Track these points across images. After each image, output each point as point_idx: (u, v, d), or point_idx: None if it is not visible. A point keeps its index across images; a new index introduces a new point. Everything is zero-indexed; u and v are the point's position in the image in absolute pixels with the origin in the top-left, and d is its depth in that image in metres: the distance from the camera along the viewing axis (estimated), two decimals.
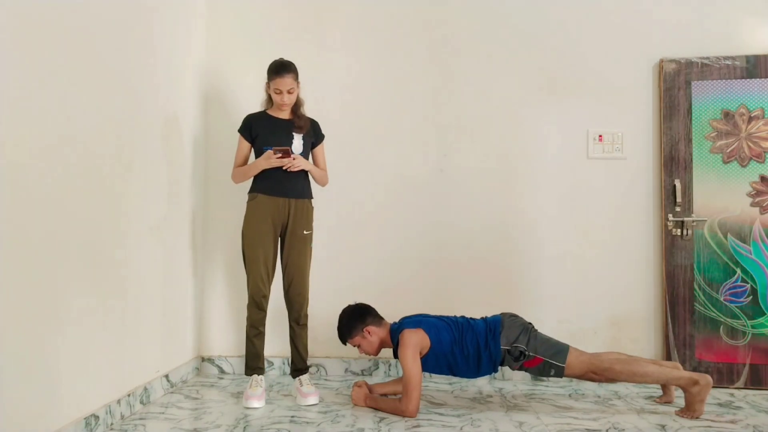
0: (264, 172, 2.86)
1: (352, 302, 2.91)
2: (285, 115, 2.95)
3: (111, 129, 2.45)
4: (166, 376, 3.00)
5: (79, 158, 2.21)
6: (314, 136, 3.00)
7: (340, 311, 2.88)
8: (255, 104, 3.35)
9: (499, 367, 2.75)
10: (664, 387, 2.87)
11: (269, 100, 2.96)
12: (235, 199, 3.42)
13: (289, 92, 2.85)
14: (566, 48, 3.47)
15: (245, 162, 2.99)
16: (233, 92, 3.55)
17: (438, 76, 3.51)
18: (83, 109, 2.23)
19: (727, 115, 3.32)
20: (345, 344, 2.87)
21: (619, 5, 3.46)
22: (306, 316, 2.95)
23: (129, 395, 2.58)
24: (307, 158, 2.98)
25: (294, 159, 2.81)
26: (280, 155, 2.77)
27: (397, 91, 3.52)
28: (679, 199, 3.31)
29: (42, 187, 1.99)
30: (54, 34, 2.05)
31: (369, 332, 2.79)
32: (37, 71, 1.96)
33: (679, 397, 2.82)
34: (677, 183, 3.32)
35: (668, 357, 3.26)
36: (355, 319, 2.82)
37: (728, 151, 3.31)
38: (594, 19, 3.47)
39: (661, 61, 3.39)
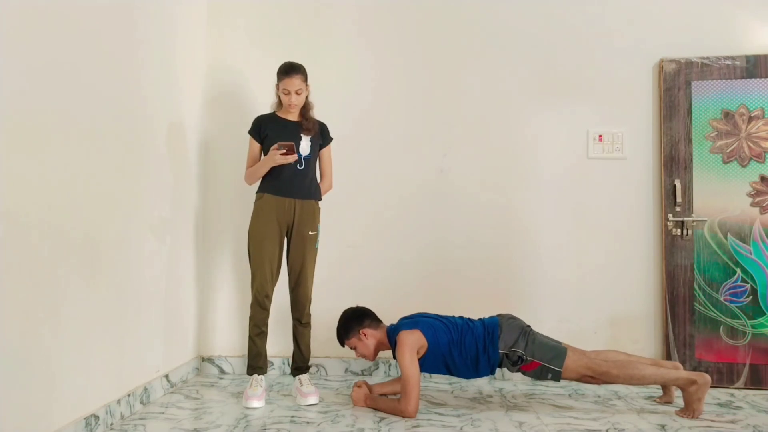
0: (272, 172, 2.87)
1: (352, 305, 2.92)
2: (294, 116, 2.96)
3: (115, 130, 2.46)
4: (166, 376, 3.00)
5: (82, 157, 2.21)
6: (322, 138, 3.01)
7: (340, 311, 2.89)
8: (256, 105, 3.37)
9: (497, 369, 2.75)
10: (664, 387, 2.87)
11: (279, 102, 2.97)
12: (237, 200, 3.43)
13: (297, 93, 2.87)
14: (567, 48, 3.47)
15: (256, 163, 3.00)
16: (235, 94, 3.55)
17: (438, 76, 3.52)
18: (88, 110, 2.23)
19: (727, 115, 3.31)
20: (343, 346, 2.89)
21: (619, 5, 3.46)
22: (309, 315, 2.96)
23: (129, 395, 2.58)
24: (315, 160, 2.99)
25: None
26: (284, 151, 2.77)
27: (397, 91, 3.53)
28: (679, 199, 3.31)
29: (43, 187, 1.99)
30: (59, 32, 2.05)
31: (365, 334, 2.80)
32: (41, 70, 1.96)
33: (679, 397, 2.82)
34: (677, 183, 3.32)
35: (668, 357, 3.26)
36: (352, 321, 2.83)
37: (728, 151, 3.30)
38: (594, 20, 3.47)
39: (661, 61, 3.39)
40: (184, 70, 3.25)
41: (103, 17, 2.37)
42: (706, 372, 3.13)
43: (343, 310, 2.89)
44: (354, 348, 2.85)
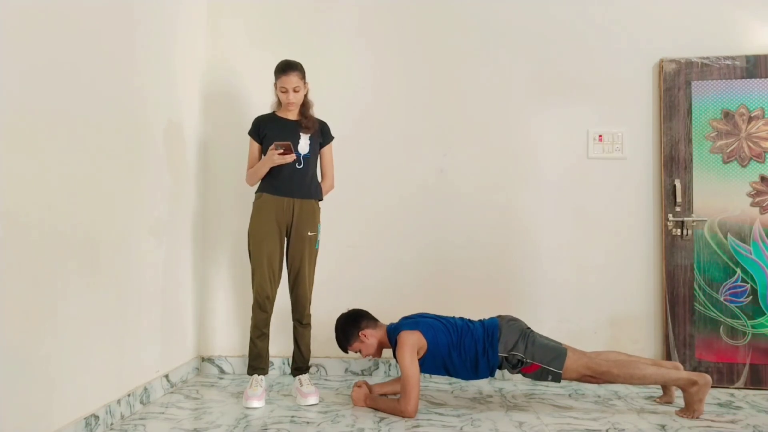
0: (271, 171, 2.86)
1: (352, 305, 2.92)
2: (293, 115, 2.96)
3: (115, 130, 2.46)
4: (166, 376, 3.00)
5: (82, 158, 2.21)
6: (322, 136, 3.00)
7: (340, 312, 2.89)
8: (256, 105, 3.37)
9: (497, 371, 2.75)
10: (665, 387, 2.87)
11: (278, 102, 2.97)
12: (236, 201, 3.43)
13: (294, 91, 2.86)
14: (567, 48, 3.47)
15: (256, 163, 2.99)
16: (235, 94, 3.55)
17: (438, 76, 3.52)
18: (87, 109, 2.23)
19: (727, 115, 3.31)
20: (346, 352, 2.87)
21: (619, 5, 3.47)
22: (309, 315, 2.96)
23: (129, 395, 2.58)
24: (315, 159, 2.98)
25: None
26: (281, 151, 2.77)
27: (397, 91, 3.53)
28: (679, 199, 3.31)
29: (43, 187, 1.99)
30: (59, 32, 2.04)
31: (366, 335, 2.80)
32: (41, 70, 1.96)
33: (679, 397, 2.82)
34: (677, 183, 3.32)
35: (668, 357, 3.26)
36: (350, 325, 2.82)
37: (728, 151, 3.30)
38: (594, 19, 3.47)
39: (661, 61, 3.39)
40: (184, 69, 3.25)
41: (103, 17, 2.37)
42: (706, 372, 3.14)
43: (336, 318, 2.87)
44: (358, 351, 2.84)
